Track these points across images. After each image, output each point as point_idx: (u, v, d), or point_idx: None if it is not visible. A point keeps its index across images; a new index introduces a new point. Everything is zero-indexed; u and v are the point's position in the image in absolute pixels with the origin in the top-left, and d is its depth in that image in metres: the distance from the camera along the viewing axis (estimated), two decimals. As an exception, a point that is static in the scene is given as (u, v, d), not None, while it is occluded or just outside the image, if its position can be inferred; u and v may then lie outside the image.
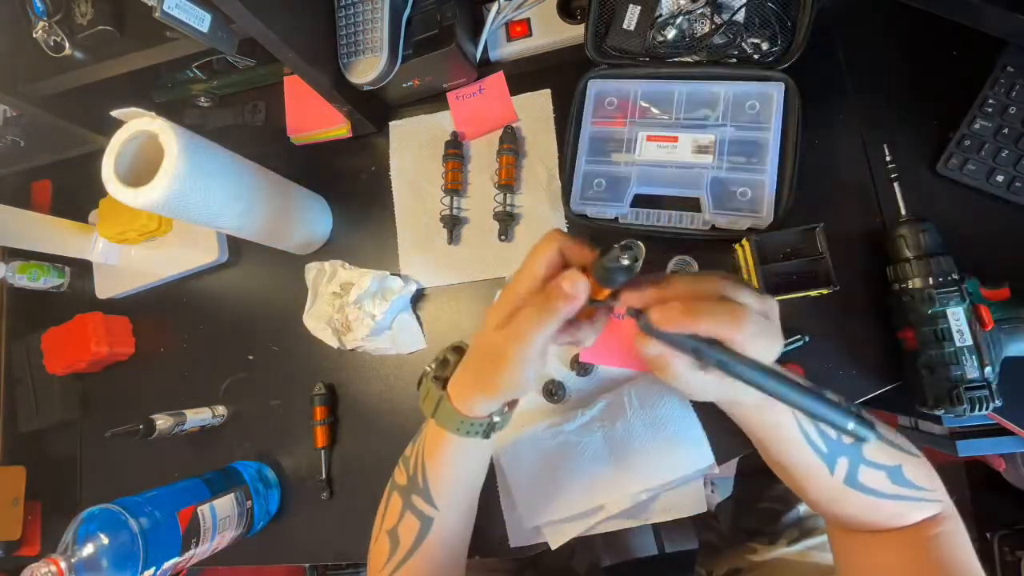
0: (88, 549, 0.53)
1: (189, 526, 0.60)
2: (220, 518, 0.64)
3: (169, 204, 0.55)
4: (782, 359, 0.60)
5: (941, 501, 0.47)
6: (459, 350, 0.49)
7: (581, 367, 0.65)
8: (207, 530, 0.62)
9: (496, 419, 0.47)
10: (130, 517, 0.56)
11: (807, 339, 0.61)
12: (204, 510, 0.63)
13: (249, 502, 0.68)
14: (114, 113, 0.57)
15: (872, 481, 0.44)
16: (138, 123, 0.55)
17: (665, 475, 0.61)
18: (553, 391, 0.65)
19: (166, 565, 0.58)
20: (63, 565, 0.51)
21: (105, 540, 0.54)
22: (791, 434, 0.43)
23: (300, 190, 0.73)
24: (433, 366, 0.50)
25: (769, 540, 0.67)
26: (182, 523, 0.60)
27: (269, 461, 0.74)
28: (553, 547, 0.63)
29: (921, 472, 0.46)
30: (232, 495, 0.66)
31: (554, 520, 0.63)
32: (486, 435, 0.47)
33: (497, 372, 0.42)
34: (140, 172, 0.56)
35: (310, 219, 0.75)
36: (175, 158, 0.53)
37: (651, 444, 0.62)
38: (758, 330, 0.35)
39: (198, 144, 0.57)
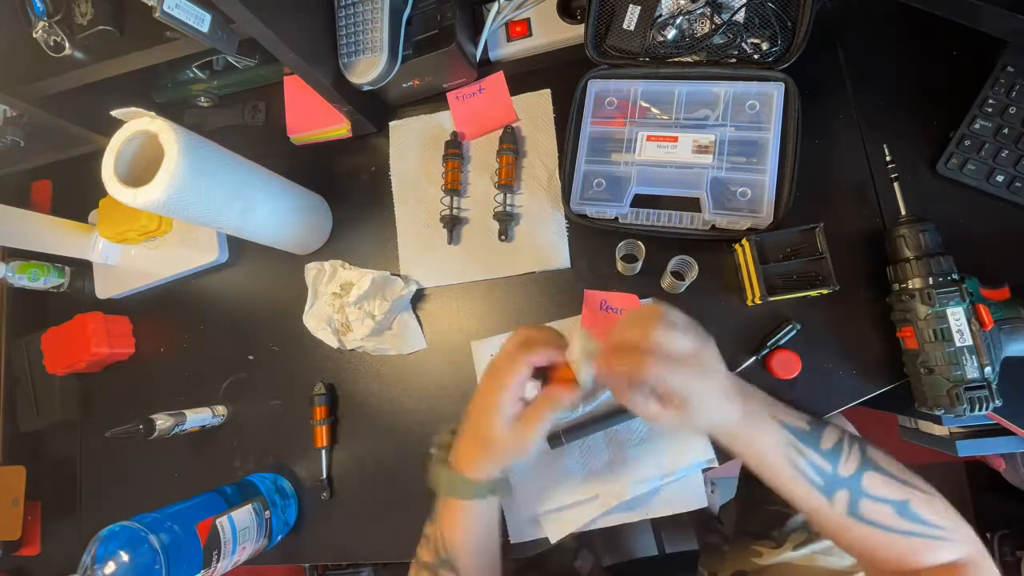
0: (109, 568, 0.52)
1: (209, 539, 0.59)
2: (239, 529, 0.63)
3: (169, 204, 0.55)
4: (778, 348, 0.61)
5: (964, 543, 0.45)
6: (455, 431, 0.53)
7: None
8: (227, 543, 0.61)
9: (499, 475, 0.51)
10: (150, 533, 0.55)
11: (799, 326, 0.61)
12: (223, 522, 0.61)
13: (267, 512, 0.67)
14: (114, 113, 0.56)
15: (876, 514, 0.44)
16: (138, 123, 0.55)
17: (664, 467, 0.61)
18: None
19: None
20: None
21: (126, 558, 0.53)
22: (778, 466, 0.44)
23: (300, 190, 0.73)
24: (435, 451, 0.53)
25: (775, 543, 0.67)
26: (201, 536, 0.59)
27: (273, 464, 0.74)
28: (553, 540, 0.63)
29: (933, 508, 0.45)
30: (250, 506, 0.65)
31: (551, 509, 0.63)
32: (492, 491, 0.51)
33: (486, 426, 0.48)
34: (140, 172, 0.56)
35: (310, 219, 0.75)
36: (175, 158, 0.53)
37: (650, 437, 0.62)
38: (662, 376, 0.40)
39: (198, 144, 0.57)
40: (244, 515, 0.64)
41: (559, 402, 0.47)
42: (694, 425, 0.44)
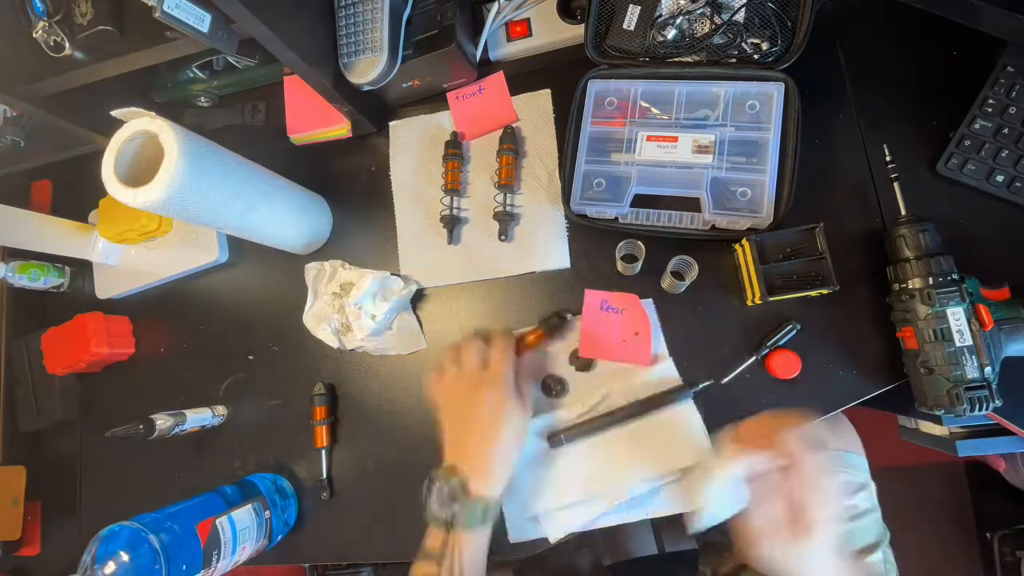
0: (109, 567, 0.52)
1: (209, 539, 0.59)
2: (239, 529, 0.63)
3: (169, 204, 0.55)
4: (778, 348, 0.61)
5: None
6: (452, 468, 0.54)
7: (581, 363, 0.65)
8: (227, 543, 0.61)
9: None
10: (150, 533, 0.55)
11: (798, 326, 0.61)
12: (223, 522, 0.62)
13: (267, 512, 0.67)
14: (114, 113, 0.57)
15: None
16: (138, 123, 0.55)
17: (664, 467, 0.61)
18: (552, 386, 0.65)
19: None
20: None
21: (125, 558, 0.53)
22: None
23: (301, 190, 0.73)
24: (442, 498, 0.53)
25: None
26: (201, 536, 0.59)
27: (273, 464, 0.74)
28: (552, 540, 0.63)
29: None
30: (250, 506, 0.65)
31: (551, 509, 0.63)
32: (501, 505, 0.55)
33: (506, 428, 0.52)
34: (140, 172, 0.56)
35: (310, 219, 0.75)
36: (175, 158, 0.53)
37: (650, 437, 0.62)
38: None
39: (198, 144, 0.57)
40: (244, 515, 0.64)
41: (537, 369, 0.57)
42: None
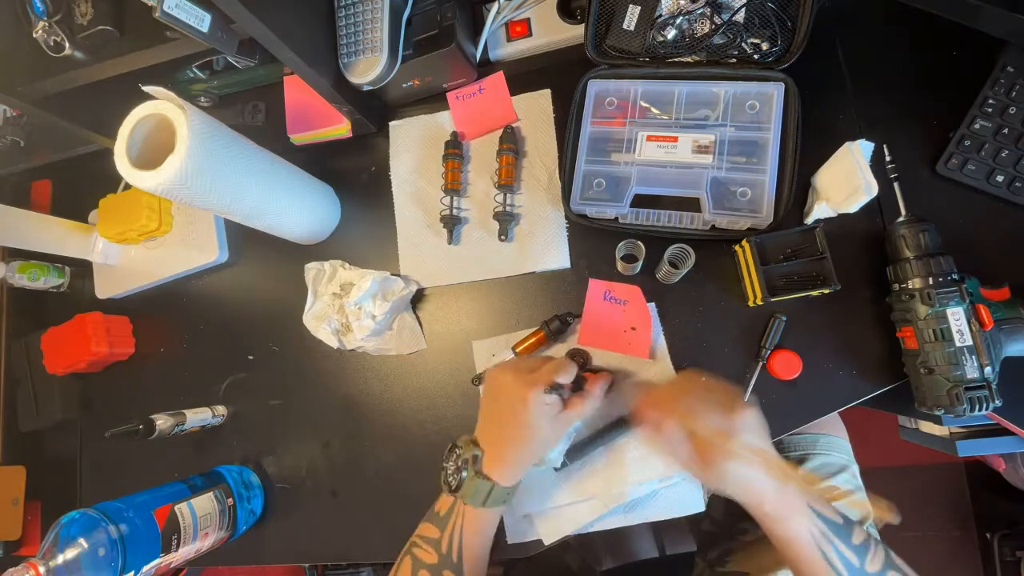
0: (68, 554, 0.54)
1: (167, 525, 0.61)
2: (200, 515, 0.64)
3: (185, 181, 0.54)
4: (779, 349, 0.61)
5: None
6: (475, 441, 0.55)
7: (578, 363, 0.65)
8: (187, 528, 0.62)
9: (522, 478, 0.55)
10: (109, 521, 0.56)
11: (784, 319, 0.61)
12: (182, 508, 0.63)
13: (230, 500, 0.68)
14: (145, 88, 0.56)
15: None
16: (157, 105, 0.55)
17: (662, 470, 0.61)
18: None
19: (146, 568, 0.58)
20: (42, 570, 0.52)
21: (85, 544, 0.54)
22: (807, 551, 0.46)
23: (309, 178, 0.73)
24: (458, 464, 0.54)
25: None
26: (159, 522, 0.60)
27: (269, 461, 0.74)
28: (547, 543, 0.63)
29: None
30: (211, 494, 0.67)
31: (547, 508, 0.63)
32: (512, 496, 0.54)
33: (527, 425, 0.53)
34: (151, 157, 0.54)
35: (322, 204, 0.75)
36: (189, 134, 0.52)
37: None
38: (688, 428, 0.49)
39: (211, 121, 0.56)
40: (205, 502, 0.66)
41: (596, 396, 0.57)
42: (715, 481, 0.48)
